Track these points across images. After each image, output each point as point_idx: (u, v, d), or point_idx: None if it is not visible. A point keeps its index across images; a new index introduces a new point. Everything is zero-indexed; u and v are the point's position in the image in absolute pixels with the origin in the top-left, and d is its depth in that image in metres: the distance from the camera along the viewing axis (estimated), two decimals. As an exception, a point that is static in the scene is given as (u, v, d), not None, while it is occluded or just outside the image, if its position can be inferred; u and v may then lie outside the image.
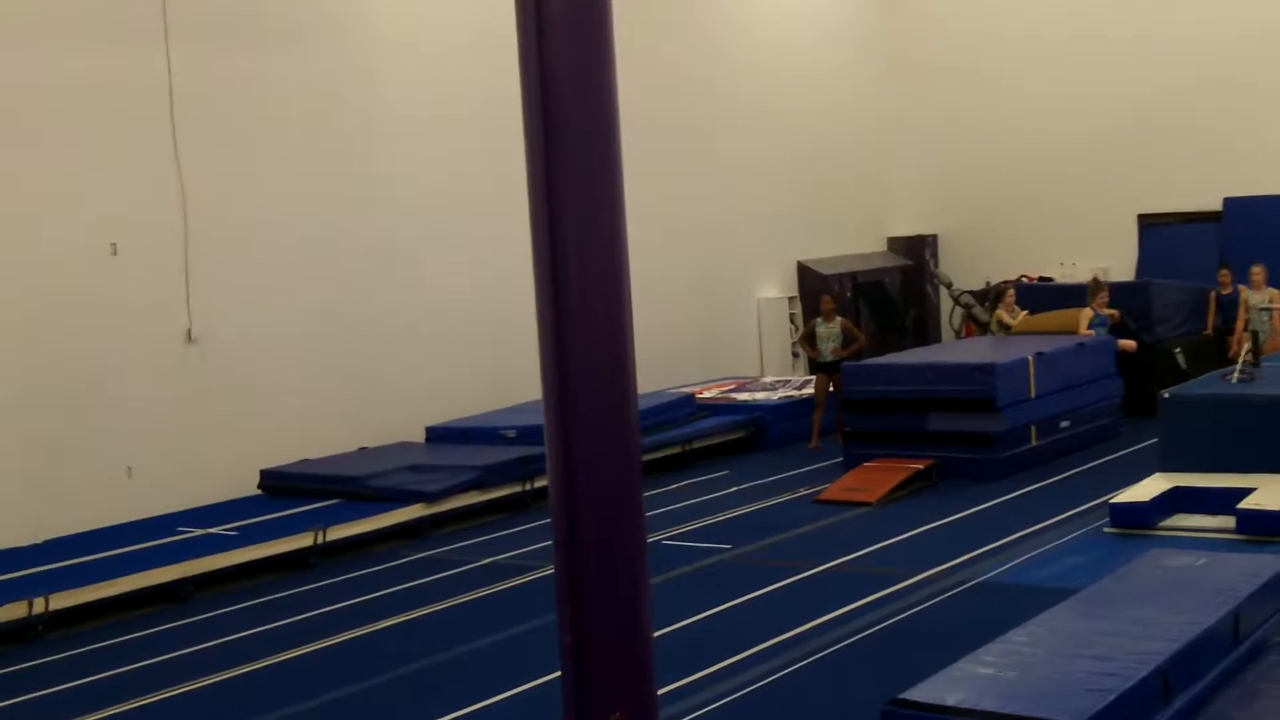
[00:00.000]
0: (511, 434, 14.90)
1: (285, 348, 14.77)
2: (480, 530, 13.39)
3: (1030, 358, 14.86)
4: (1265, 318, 17.01)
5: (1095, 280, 17.83)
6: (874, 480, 13.92)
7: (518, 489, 14.14)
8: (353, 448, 15.07)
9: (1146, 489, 12.06)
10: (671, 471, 15.51)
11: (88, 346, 13.15)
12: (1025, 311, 18.06)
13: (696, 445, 16.31)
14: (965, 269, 22.75)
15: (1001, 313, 18.08)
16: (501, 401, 16.37)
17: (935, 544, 11.71)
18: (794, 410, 17.33)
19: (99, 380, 13.21)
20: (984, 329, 18.80)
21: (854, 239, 23.17)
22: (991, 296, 19.31)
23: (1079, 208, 22.47)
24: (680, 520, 13.11)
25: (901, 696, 6.48)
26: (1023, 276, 21.88)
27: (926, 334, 23.16)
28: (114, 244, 13.41)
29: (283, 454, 14.43)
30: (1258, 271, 17.37)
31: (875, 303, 22.58)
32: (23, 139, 12.81)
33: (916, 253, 23.66)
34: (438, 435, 15.60)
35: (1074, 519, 12.28)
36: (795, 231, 21.89)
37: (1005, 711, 6.17)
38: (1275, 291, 17.23)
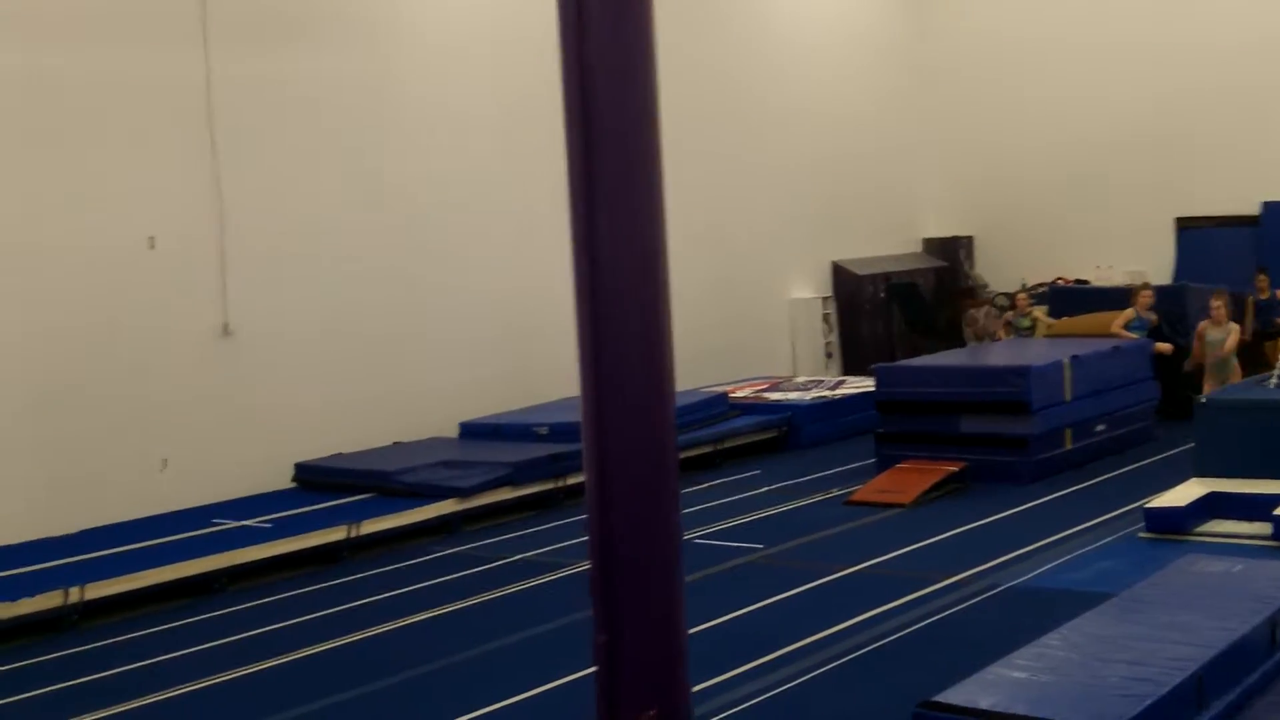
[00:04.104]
0: (544, 431, 14.92)
1: (320, 342, 14.83)
2: (511, 527, 13.41)
3: (1065, 360, 14.79)
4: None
5: (1144, 284, 17.81)
6: (906, 482, 13.87)
7: (549, 486, 14.15)
8: (386, 442, 15.11)
9: (1182, 494, 11.99)
10: (703, 470, 15.49)
11: (124, 339, 13.23)
12: (1041, 310, 18.05)
13: (728, 444, 16.29)
14: (1001, 271, 22.69)
15: (1008, 314, 18.12)
16: (534, 399, 16.40)
17: (968, 547, 11.67)
18: (827, 411, 17.31)
19: (135, 372, 13.28)
20: (1018, 331, 18.77)
21: (889, 240, 23.12)
22: (976, 299, 19.31)
23: (1116, 211, 22.39)
24: (712, 519, 13.10)
25: (934, 699, 6.46)
26: (1058, 279, 21.81)
27: (961, 336, 23.06)
28: (151, 238, 13.48)
29: (316, 448, 14.49)
30: (1219, 305, 15.60)
31: (909, 304, 22.51)
32: (62, 135, 12.88)
33: (951, 254, 23.59)
34: (470, 431, 15.63)
35: (1108, 523, 12.21)
36: (829, 232, 21.86)
37: (1038, 716, 6.15)
38: (1235, 325, 15.76)
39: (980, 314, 18.06)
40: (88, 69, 13.04)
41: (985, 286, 20.96)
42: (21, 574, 11.02)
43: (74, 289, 12.88)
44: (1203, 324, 15.72)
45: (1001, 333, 18.07)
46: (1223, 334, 15.41)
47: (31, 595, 10.45)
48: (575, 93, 4.54)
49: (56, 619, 10.53)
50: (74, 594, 10.62)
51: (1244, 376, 15.15)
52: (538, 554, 12.23)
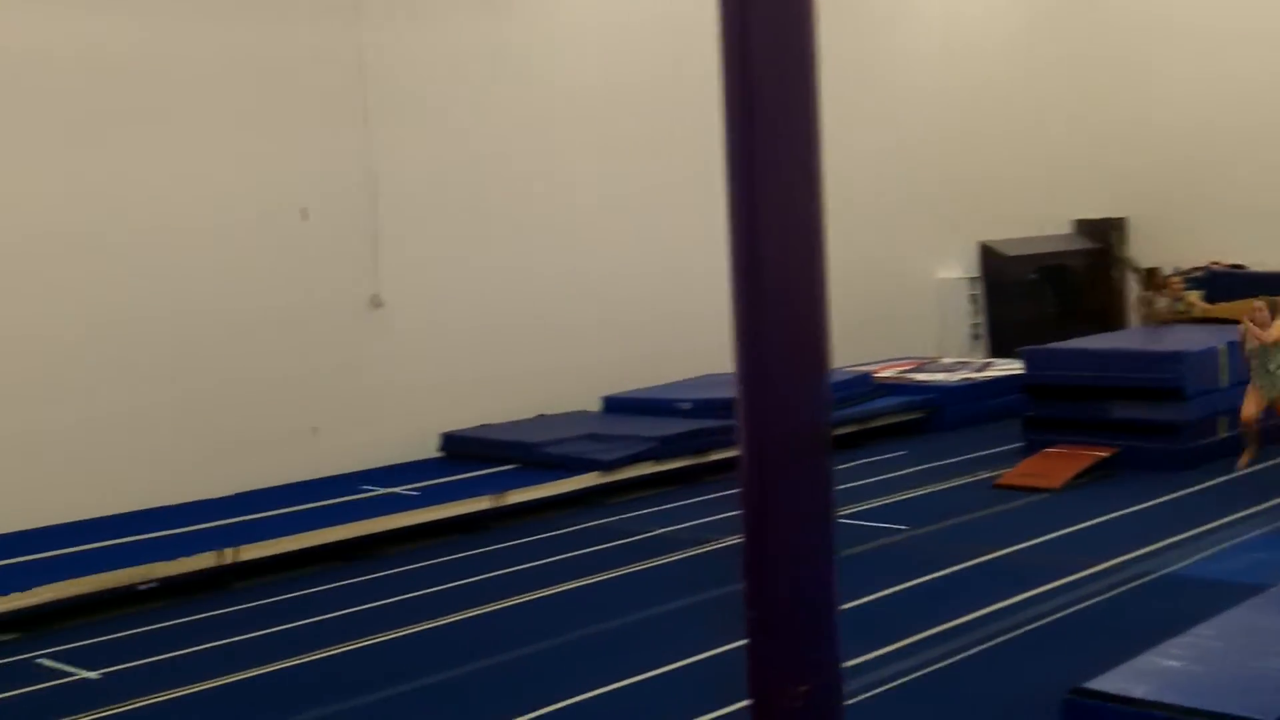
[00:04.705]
0: (687, 406, 14.94)
1: (468, 314, 14.99)
2: (653, 501, 13.46)
3: (1221, 346, 14.45)
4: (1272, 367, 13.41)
5: None
6: (1055, 467, 13.66)
7: (691, 461, 14.17)
8: (531, 414, 15.24)
9: (1341, 485, 11.68)
10: (847, 450, 15.36)
11: (278, 309, 13.50)
12: (1195, 295, 17.65)
13: (872, 424, 16.18)
14: (1154, 254, 22.20)
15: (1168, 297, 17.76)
16: (675, 375, 16.40)
17: (1117, 534, 11.46)
18: (973, 393, 17.11)
19: (289, 342, 13.55)
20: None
21: (1038, 221, 22.73)
22: (1156, 282, 18.85)
23: (1273, 193, 21.76)
24: (856, 499, 13.00)
25: (1085, 686, 6.37)
26: (1213, 263, 21.29)
27: (1112, 320, 22.65)
28: (304, 209, 13.72)
29: (463, 418, 14.66)
30: (1260, 308, 13.54)
31: (1060, 286, 22.15)
32: (218, 108, 13.17)
33: (1103, 235, 23.15)
34: (614, 405, 15.71)
35: (1263, 514, 11.91)
36: (978, 212, 21.55)
37: (1193, 706, 6.03)
38: None
39: (1159, 298, 17.68)
40: (247, 43, 13.30)
41: (1139, 269, 20.49)
42: (179, 534, 11.35)
43: (229, 259, 13.17)
44: (1251, 332, 13.48)
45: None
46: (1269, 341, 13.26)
47: (188, 555, 10.74)
48: (736, 63, 4.51)
49: (211, 578, 10.82)
50: (228, 555, 10.89)
51: None
52: (679, 529, 12.26)
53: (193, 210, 12.94)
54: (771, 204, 4.24)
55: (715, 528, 11.99)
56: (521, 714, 7.87)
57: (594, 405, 15.80)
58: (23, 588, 9.99)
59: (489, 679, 8.61)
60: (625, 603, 10.04)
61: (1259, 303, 13.77)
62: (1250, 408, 13.67)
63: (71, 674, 9.00)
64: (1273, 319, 13.44)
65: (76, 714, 8.20)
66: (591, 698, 8.10)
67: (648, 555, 11.38)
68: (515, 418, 15.05)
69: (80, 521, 11.80)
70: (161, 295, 12.74)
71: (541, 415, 15.31)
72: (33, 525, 11.64)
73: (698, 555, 11.32)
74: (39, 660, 9.27)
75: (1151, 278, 17.89)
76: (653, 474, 13.94)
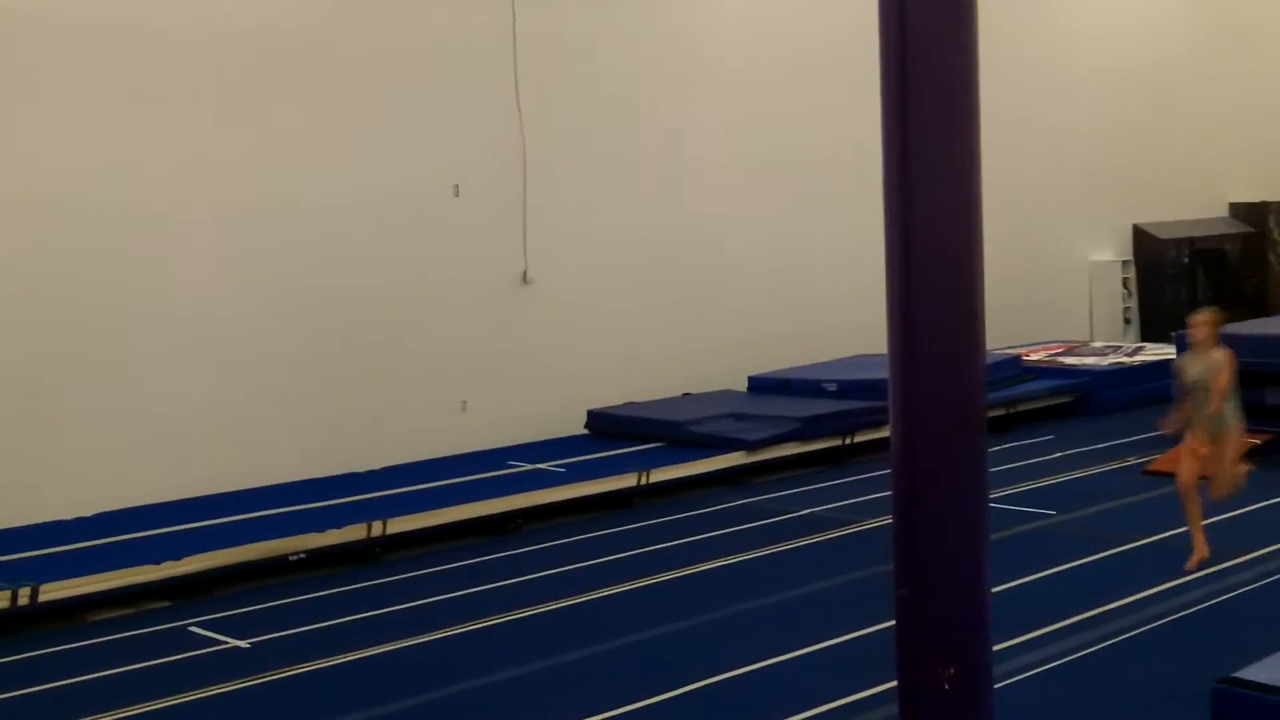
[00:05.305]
0: (832, 387, 14.89)
1: (615, 293, 15.09)
2: (797, 481, 13.44)
3: (1384, 333, 14.05)
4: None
5: None
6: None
7: (837, 442, 14.13)
8: (676, 393, 15.30)
9: None
10: (995, 433, 15.18)
11: (430, 284, 13.70)
12: None
13: (1021, 408, 16.00)
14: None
15: None
16: (818, 356, 16.35)
17: (1269, 522, 11.21)
18: (1123, 377, 16.83)
19: (439, 317, 13.76)
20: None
21: (1193, 204, 22.27)
22: None
23: None
24: (1004, 483, 12.85)
25: (1235, 675, 6.26)
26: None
27: (1267, 304, 22.14)
28: (456, 186, 13.89)
29: (608, 396, 14.76)
30: (1201, 324, 9.99)
31: (1214, 270, 21.68)
32: (373, 87, 13.38)
33: (1260, 219, 22.61)
34: (759, 385, 15.70)
35: None
36: (1131, 195, 21.19)
37: (1350, 699, 5.90)
38: (1226, 354, 9.79)
39: None
40: (400, 21, 13.50)
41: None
42: (329, 506, 11.58)
43: (383, 234, 13.39)
44: (1183, 358, 10.34)
45: None
46: (1204, 368, 9.80)
47: (338, 527, 10.95)
48: (893, 43, 4.50)
49: (360, 550, 11.01)
50: (377, 528, 11.08)
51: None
52: (825, 509, 12.24)
53: (349, 187, 13.17)
54: (927, 185, 4.23)
55: (859, 509, 11.96)
56: (663, 692, 7.91)
57: (739, 385, 15.81)
58: (175, 556, 10.24)
59: (631, 656, 8.67)
60: (769, 582, 10.05)
61: (1198, 317, 10.12)
62: (1187, 466, 9.93)
63: (222, 642, 9.21)
64: (1214, 339, 9.91)
65: (226, 682, 8.37)
66: (734, 676, 8.11)
67: (791, 535, 11.38)
68: (660, 396, 15.13)
69: (233, 492, 12.11)
70: (318, 271, 12.99)
71: (687, 394, 15.36)
72: (187, 495, 11.97)
73: (841, 536, 11.29)
74: (190, 628, 9.51)
75: None
76: (797, 454, 13.92)
